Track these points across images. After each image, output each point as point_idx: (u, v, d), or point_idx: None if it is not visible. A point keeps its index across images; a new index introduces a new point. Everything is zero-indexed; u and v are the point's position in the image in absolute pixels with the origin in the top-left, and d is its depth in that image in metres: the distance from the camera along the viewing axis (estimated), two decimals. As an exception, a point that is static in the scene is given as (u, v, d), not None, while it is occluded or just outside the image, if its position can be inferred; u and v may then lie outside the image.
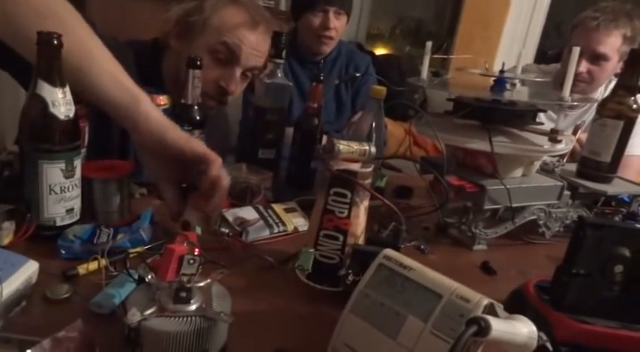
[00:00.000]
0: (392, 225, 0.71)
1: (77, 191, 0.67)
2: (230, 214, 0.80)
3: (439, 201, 0.95)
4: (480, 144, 0.78)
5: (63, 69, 0.61)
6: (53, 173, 0.63)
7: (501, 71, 0.85)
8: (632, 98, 0.94)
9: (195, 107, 0.88)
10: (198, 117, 0.89)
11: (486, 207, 0.82)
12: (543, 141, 0.80)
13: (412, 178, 1.19)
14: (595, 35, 1.37)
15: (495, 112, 0.82)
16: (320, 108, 0.99)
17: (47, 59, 0.60)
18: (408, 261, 0.51)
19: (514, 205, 0.84)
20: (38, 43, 0.59)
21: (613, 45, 1.36)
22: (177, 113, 0.88)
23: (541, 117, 1.55)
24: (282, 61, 0.98)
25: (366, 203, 0.66)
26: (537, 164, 0.88)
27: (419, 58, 0.93)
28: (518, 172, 0.86)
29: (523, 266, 0.84)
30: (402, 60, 2.37)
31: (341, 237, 0.65)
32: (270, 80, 0.98)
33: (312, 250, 0.64)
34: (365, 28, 3.24)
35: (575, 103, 0.74)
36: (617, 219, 1.02)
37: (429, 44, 0.85)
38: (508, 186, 0.81)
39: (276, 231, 0.80)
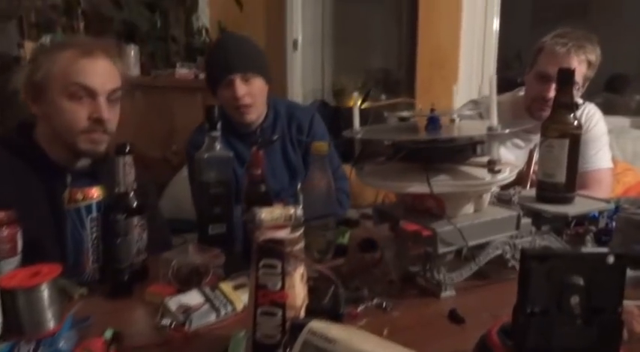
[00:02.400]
0: (330, 290, 0.66)
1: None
2: (173, 303, 0.75)
3: (399, 251, 0.91)
4: (419, 187, 0.75)
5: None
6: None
7: (432, 110, 0.84)
8: (572, 115, 0.93)
9: (131, 194, 0.86)
10: (135, 205, 0.86)
11: (441, 251, 0.78)
12: (484, 174, 0.78)
13: (380, 231, 1.15)
14: (567, 60, 1.33)
15: (432, 151, 0.80)
16: (264, 175, 0.97)
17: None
18: (333, 332, 0.46)
19: (471, 244, 0.80)
20: None
21: (581, 70, 1.35)
22: (113, 203, 0.85)
23: (507, 145, 1.55)
24: (218, 134, 0.97)
25: (300, 270, 0.62)
26: (487, 197, 0.85)
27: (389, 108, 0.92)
28: (469, 208, 0.83)
29: (495, 308, 0.78)
30: (371, 111, 2.39)
31: (279, 312, 0.60)
32: (208, 154, 0.96)
33: (242, 334, 0.59)
34: (330, 85, 3.32)
35: (507, 131, 0.72)
36: (588, 238, 0.98)
37: (355, 94, 0.85)
38: (459, 225, 0.77)
39: (223, 313, 0.74)
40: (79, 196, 0.83)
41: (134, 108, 2.60)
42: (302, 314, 0.61)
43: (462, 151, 0.82)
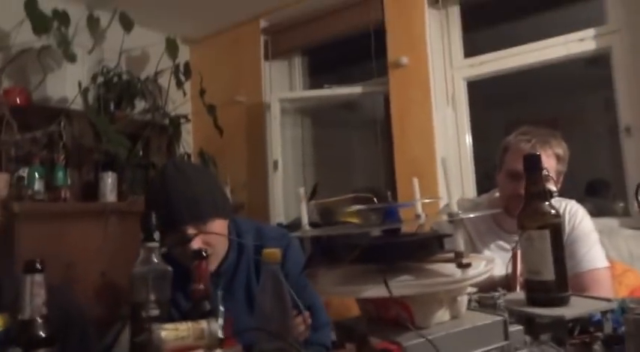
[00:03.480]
0: None
1: None
2: None
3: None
4: (376, 290, 0.63)
5: None
6: None
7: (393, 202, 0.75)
8: (547, 204, 0.84)
9: (38, 320, 0.72)
10: (42, 334, 0.71)
11: (411, 372, 0.62)
12: (453, 271, 0.66)
13: None
14: None
15: (391, 248, 0.69)
16: (208, 290, 0.84)
17: None
18: None
19: (450, 360, 0.64)
20: None
21: (551, 164, 1.31)
22: (15, 334, 0.71)
23: (491, 247, 1.43)
24: (155, 245, 0.86)
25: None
26: (464, 300, 0.71)
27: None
28: (443, 315, 0.69)
29: None
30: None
31: None
32: (144, 267, 0.84)
33: None
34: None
35: (471, 215, 0.63)
36: (597, 347, 0.82)
37: (301, 190, 0.76)
38: (432, 337, 0.63)
39: None
40: (-27, 326, 0.69)
41: (108, 235, 2.50)
42: None
43: (425, 247, 0.71)
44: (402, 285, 0.63)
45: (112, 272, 2.35)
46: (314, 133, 3.41)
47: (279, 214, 2.95)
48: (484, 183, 2.72)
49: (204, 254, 0.88)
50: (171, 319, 0.84)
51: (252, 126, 3.17)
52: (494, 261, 0.71)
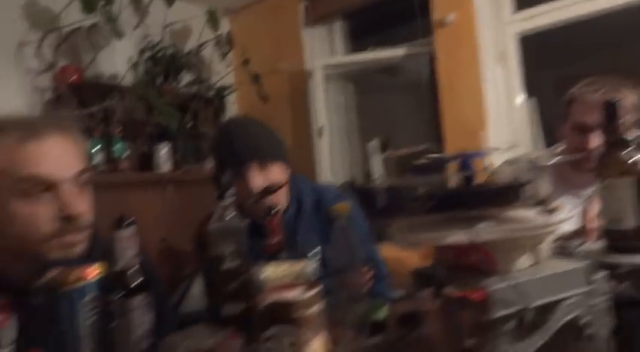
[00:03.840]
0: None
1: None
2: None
3: (448, 323, 0.76)
4: (460, 236, 0.63)
5: None
6: None
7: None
8: (628, 151, 0.81)
9: (131, 271, 0.76)
10: (135, 282, 0.76)
11: (496, 316, 0.62)
12: (536, 216, 0.65)
13: (426, 303, 1.00)
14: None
15: (470, 196, 0.69)
16: (282, 243, 0.87)
17: None
18: None
19: (534, 305, 0.64)
20: None
21: (624, 112, 1.24)
22: (110, 284, 0.76)
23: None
24: (228, 203, 0.89)
25: (319, 341, 0.49)
26: (545, 247, 0.71)
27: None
28: (524, 262, 0.69)
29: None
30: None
31: (295, 399, 0.47)
32: (219, 224, 0.88)
33: None
34: (360, 170, 3.30)
35: (556, 159, 0.61)
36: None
37: (372, 144, 0.76)
38: (515, 282, 0.63)
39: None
40: (72, 277, 0.74)
41: (166, 203, 2.61)
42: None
43: (505, 194, 0.70)
44: (487, 231, 0.63)
45: (171, 238, 2.47)
46: (358, 99, 3.37)
47: (326, 181, 2.97)
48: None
49: (274, 210, 0.90)
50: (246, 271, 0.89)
51: (296, 94, 3.17)
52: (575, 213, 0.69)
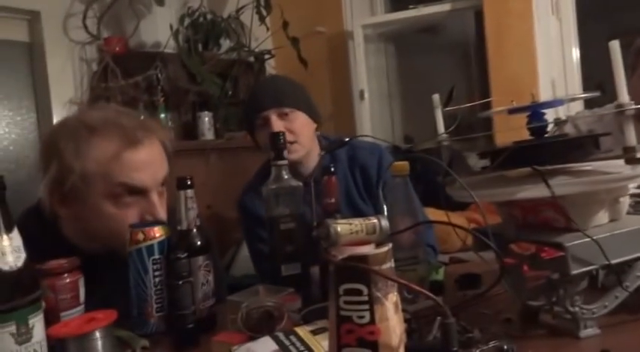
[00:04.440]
0: (437, 320, 0.50)
1: (38, 358, 0.54)
2: (241, 351, 0.63)
3: (516, 280, 0.73)
4: (533, 191, 0.59)
5: (8, 212, 0.53)
6: (2, 340, 0.51)
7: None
8: None
9: (194, 231, 0.78)
10: (199, 242, 0.78)
11: (574, 272, 0.59)
12: (619, 168, 0.60)
13: (481, 265, 0.98)
14: None
15: (543, 150, 0.65)
16: (338, 204, 0.86)
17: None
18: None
19: (614, 261, 0.61)
20: (-25, 188, 0.52)
21: None
22: (175, 243, 0.78)
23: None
24: (285, 162, 0.88)
25: (393, 297, 0.48)
26: (626, 201, 0.66)
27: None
28: (602, 217, 0.65)
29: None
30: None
31: (371, 354, 0.46)
32: (276, 185, 0.87)
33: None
34: (400, 133, 3.24)
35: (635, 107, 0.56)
36: None
37: (436, 97, 0.73)
38: (595, 237, 0.59)
39: (300, 362, 0.61)
40: (140, 237, 0.76)
41: (210, 170, 2.66)
42: (401, 355, 0.46)
43: (580, 147, 0.65)
44: (564, 184, 0.59)
45: (216, 204, 2.52)
46: (399, 61, 3.27)
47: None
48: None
49: (332, 169, 0.89)
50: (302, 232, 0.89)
51: (336, 57, 3.10)
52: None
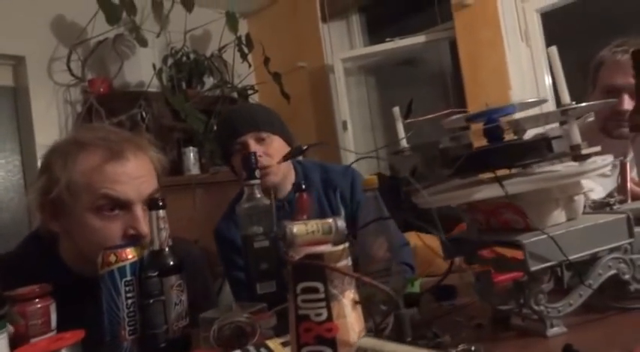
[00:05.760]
0: (390, 314, 0.51)
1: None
2: (211, 366, 0.63)
3: (484, 287, 0.74)
4: (487, 191, 0.62)
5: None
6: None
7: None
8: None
9: (166, 250, 0.78)
10: (171, 262, 0.78)
11: (533, 269, 0.61)
12: (571, 166, 0.63)
13: (455, 277, 0.99)
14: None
15: (498, 153, 0.67)
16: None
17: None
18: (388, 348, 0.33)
19: (572, 258, 0.62)
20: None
21: None
22: (148, 262, 0.78)
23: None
24: (257, 182, 0.90)
25: (351, 294, 0.49)
26: (581, 199, 0.68)
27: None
28: (559, 216, 0.67)
29: (627, 341, 0.59)
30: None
31: (329, 351, 0.47)
32: (249, 204, 0.89)
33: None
34: (385, 163, 3.28)
35: (584, 104, 0.59)
36: None
37: (396, 110, 0.76)
38: (552, 234, 0.61)
39: (270, 373, 0.60)
40: (112, 258, 0.76)
41: (197, 205, 2.66)
42: None
43: (534, 149, 0.68)
44: (516, 182, 0.61)
45: (203, 238, 2.51)
46: (380, 93, 3.35)
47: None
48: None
49: (303, 186, 0.91)
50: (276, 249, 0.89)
51: (318, 90, 3.18)
52: (610, 161, 0.67)
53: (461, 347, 0.64)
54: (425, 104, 3.24)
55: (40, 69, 2.62)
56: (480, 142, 0.74)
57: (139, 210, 0.86)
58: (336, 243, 0.50)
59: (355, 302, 0.49)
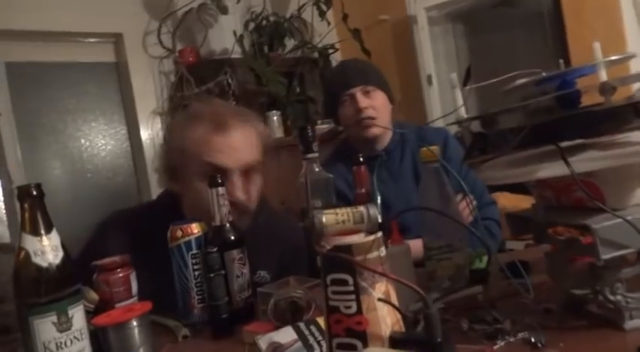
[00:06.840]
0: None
1: (80, 344, 0.61)
2: (264, 340, 0.65)
3: (555, 268, 0.68)
4: (553, 169, 0.54)
5: (47, 215, 0.60)
6: (45, 328, 0.58)
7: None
8: None
9: (227, 226, 0.81)
10: (232, 237, 0.81)
11: (605, 257, 0.53)
12: (657, 137, 0.53)
13: (534, 251, 0.91)
14: None
15: (569, 123, 0.58)
16: (368, 194, 0.85)
17: (28, 210, 0.60)
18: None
19: (657, 244, 0.53)
20: (18, 196, 0.60)
21: None
22: (210, 238, 0.82)
23: None
24: (315, 155, 0.89)
25: (382, 287, 0.47)
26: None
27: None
28: (643, 194, 0.57)
29: None
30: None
31: (359, 345, 0.46)
32: (310, 177, 0.88)
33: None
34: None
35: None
36: None
37: (454, 76, 0.69)
38: (629, 217, 0.53)
39: (317, 351, 0.61)
40: (179, 233, 0.82)
41: (282, 168, 2.74)
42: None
43: (618, 117, 0.58)
44: (586, 159, 0.53)
45: (289, 200, 2.60)
46: (468, 41, 3.10)
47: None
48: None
49: (360, 159, 0.89)
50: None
51: (401, 44, 3.03)
52: None
53: (520, 335, 0.60)
54: (521, 51, 2.94)
55: (137, 44, 2.81)
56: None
57: (236, 177, 0.95)
58: (369, 232, 0.48)
59: (389, 295, 0.47)
